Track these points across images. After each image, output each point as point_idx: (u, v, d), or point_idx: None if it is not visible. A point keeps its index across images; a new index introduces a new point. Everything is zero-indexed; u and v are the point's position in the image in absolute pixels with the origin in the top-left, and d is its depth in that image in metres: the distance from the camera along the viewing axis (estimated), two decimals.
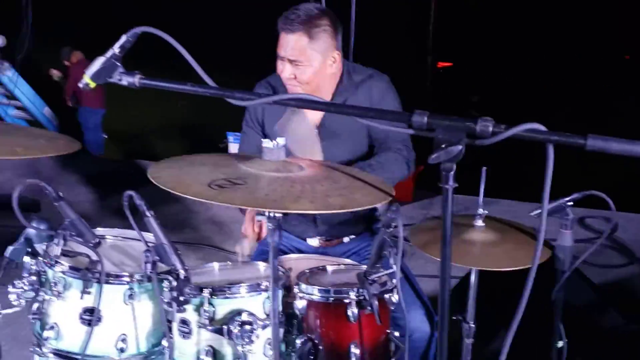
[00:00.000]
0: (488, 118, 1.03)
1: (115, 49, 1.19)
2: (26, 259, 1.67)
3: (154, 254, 1.54)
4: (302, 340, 1.61)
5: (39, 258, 1.67)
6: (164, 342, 1.62)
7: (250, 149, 2.21)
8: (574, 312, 2.48)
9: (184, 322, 1.57)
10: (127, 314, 1.65)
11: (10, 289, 1.64)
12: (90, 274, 1.60)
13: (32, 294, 1.65)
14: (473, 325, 2.01)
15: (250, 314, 1.53)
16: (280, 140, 1.28)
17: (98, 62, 1.19)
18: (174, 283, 1.51)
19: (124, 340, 1.65)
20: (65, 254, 1.67)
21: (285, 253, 2.16)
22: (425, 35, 4.10)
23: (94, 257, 1.61)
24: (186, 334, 1.57)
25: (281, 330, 1.64)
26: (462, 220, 2.00)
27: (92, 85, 1.22)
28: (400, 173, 2.19)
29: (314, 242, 2.29)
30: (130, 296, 1.63)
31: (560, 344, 2.40)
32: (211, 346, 1.54)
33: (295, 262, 1.92)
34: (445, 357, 1.17)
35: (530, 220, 1.92)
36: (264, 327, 1.54)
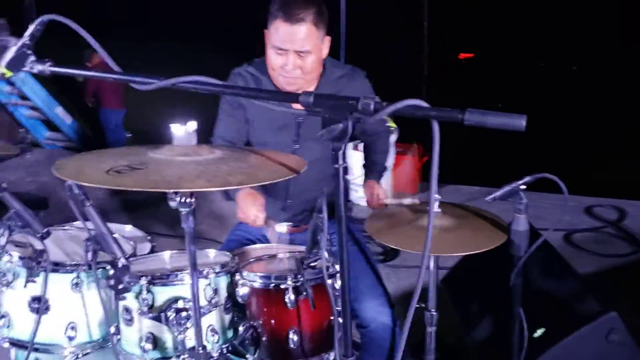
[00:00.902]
0: (371, 96, 1.01)
1: (26, 37, 1.20)
2: None
3: (94, 243, 1.55)
4: (245, 326, 1.61)
5: None
6: (112, 329, 1.64)
7: (230, 134, 2.21)
8: (553, 302, 2.43)
9: (127, 309, 1.58)
10: (76, 303, 1.68)
11: None
12: (35, 263, 1.63)
13: None
14: (435, 313, 1.98)
15: (187, 300, 1.53)
16: (191, 126, 1.28)
17: (10, 52, 1.21)
18: (112, 272, 1.52)
19: (73, 328, 1.68)
20: (17, 244, 1.71)
21: (253, 242, 2.17)
22: (419, 28, 4.07)
23: (40, 246, 1.64)
24: (128, 321, 1.58)
25: (227, 317, 1.65)
26: (419, 206, 1.97)
27: (8, 74, 1.24)
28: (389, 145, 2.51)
29: (282, 228, 2.29)
30: (77, 285, 1.66)
31: (538, 332, 2.36)
32: (152, 333, 1.55)
33: (261, 251, 1.93)
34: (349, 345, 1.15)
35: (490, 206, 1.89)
36: (203, 314, 1.55)
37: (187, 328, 1.52)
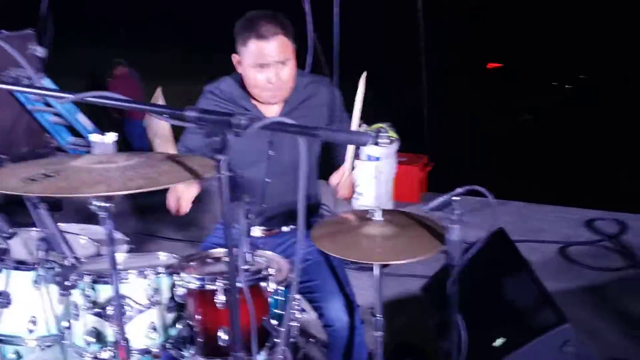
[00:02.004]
0: (244, 114, 1.11)
1: None
2: None
3: (45, 243, 1.70)
4: (182, 325, 1.72)
5: None
6: (65, 324, 1.78)
7: (194, 144, 2.32)
8: (514, 312, 2.47)
9: (75, 305, 1.72)
10: (36, 298, 1.82)
11: None
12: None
13: None
14: (381, 318, 2.05)
15: (126, 298, 1.66)
16: (110, 137, 1.40)
17: None
18: (58, 269, 1.66)
19: (34, 322, 1.82)
20: None
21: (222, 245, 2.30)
22: (415, 34, 4.12)
23: (3, 245, 1.79)
24: (76, 316, 1.72)
25: (170, 315, 1.77)
26: (362, 214, 2.05)
27: None
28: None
29: (256, 232, 2.42)
30: (37, 281, 1.80)
31: (498, 342, 2.40)
32: (95, 328, 1.68)
33: (219, 254, 2.04)
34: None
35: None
36: (141, 311, 1.67)
37: (125, 323, 1.64)
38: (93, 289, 1.67)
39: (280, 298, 1.87)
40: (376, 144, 4.43)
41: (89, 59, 5.76)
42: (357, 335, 2.21)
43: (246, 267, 1.67)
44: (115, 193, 1.22)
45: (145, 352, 1.71)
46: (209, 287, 1.66)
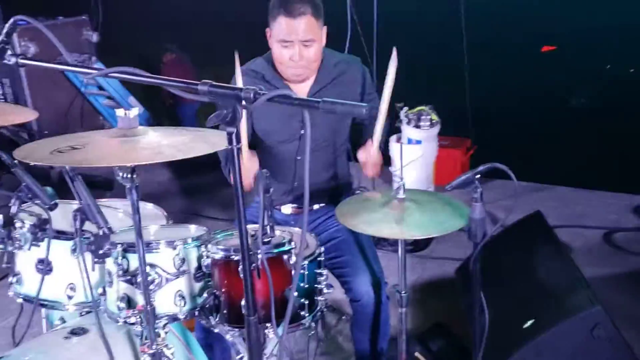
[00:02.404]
0: (253, 87, 1.16)
1: (3, 36, 1.44)
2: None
3: (81, 214, 1.79)
4: (208, 294, 1.80)
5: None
6: (99, 290, 1.88)
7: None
8: (545, 294, 2.44)
9: (108, 273, 1.82)
10: (75, 266, 1.92)
11: None
12: (40, 230, 1.90)
13: (2, 246, 1.97)
14: (405, 294, 2.08)
15: (155, 267, 1.74)
16: (134, 112, 1.48)
17: None
18: (92, 239, 1.76)
19: (72, 289, 1.93)
20: (31, 213, 1.98)
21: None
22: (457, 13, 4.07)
23: (45, 216, 1.90)
24: (109, 283, 1.82)
25: (197, 284, 1.85)
26: (386, 192, 2.07)
27: None
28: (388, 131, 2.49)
29: (287, 209, 2.49)
30: (74, 250, 1.91)
31: (528, 323, 2.39)
32: (126, 294, 1.78)
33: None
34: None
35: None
36: (168, 280, 1.75)
37: (153, 291, 1.72)
38: (125, 257, 1.76)
39: (307, 272, 1.93)
40: (417, 126, 4.42)
41: (140, 43, 5.91)
42: (382, 311, 2.25)
43: (267, 239, 1.72)
44: (132, 163, 1.29)
45: (174, 318, 1.79)
46: (233, 257, 1.72)
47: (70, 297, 1.93)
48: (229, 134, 1.20)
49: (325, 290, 2.07)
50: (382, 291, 2.24)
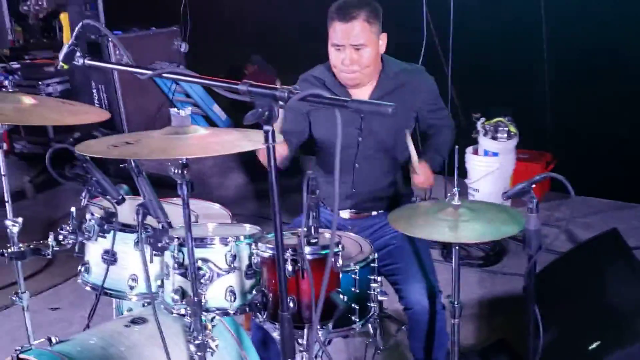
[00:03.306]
0: (288, 87, 1.19)
1: (73, 39, 1.56)
2: (72, 208, 2.14)
3: (144, 208, 1.89)
4: (257, 291, 1.84)
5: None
6: (158, 282, 1.98)
7: (287, 125, 2.46)
8: (615, 316, 2.31)
9: (166, 265, 1.90)
10: (137, 258, 2.03)
11: (60, 231, 2.11)
12: (107, 222, 2.02)
13: (74, 236, 2.11)
14: (458, 305, 2.04)
15: (208, 262, 1.81)
16: (186, 111, 1.55)
17: (63, 50, 1.58)
18: (151, 232, 1.85)
19: (134, 279, 2.03)
20: (101, 207, 2.11)
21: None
22: (538, 22, 3.91)
23: (112, 209, 2.02)
24: (166, 276, 1.90)
25: (248, 282, 1.90)
26: (440, 200, 2.04)
27: (65, 66, 1.62)
28: (452, 141, 2.51)
29: (345, 214, 2.51)
30: (137, 243, 2.01)
31: (594, 345, 2.28)
32: (180, 287, 1.85)
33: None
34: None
35: None
36: (219, 275, 1.81)
37: (205, 285, 1.79)
38: (180, 251, 1.84)
39: (358, 277, 1.94)
40: (494, 138, 4.32)
41: (227, 53, 6.13)
42: (438, 320, 2.21)
43: (313, 240, 1.75)
44: (179, 157, 1.36)
45: (224, 313, 1.85)
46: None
47: (132, 288, 2.03)
48: (266, 132, 1.24)
49: (379, 297, 2.07)
50: (436, 300, 2.20)
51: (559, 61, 4.21)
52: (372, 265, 2.05)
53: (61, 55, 1.59)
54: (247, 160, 5.40)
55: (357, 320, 1.97)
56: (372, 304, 2.05)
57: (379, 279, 2.07)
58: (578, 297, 2.59)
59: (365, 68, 2.29)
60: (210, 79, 1.29)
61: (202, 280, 1.79)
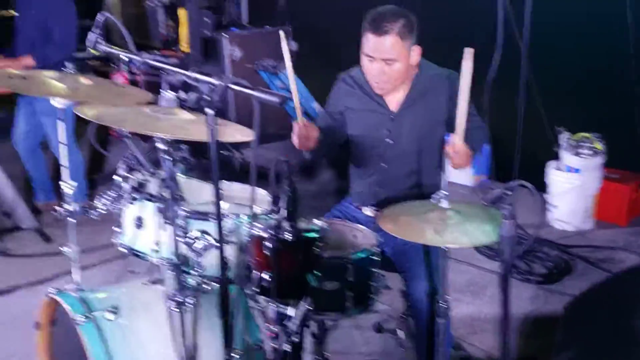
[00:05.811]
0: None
1: (95, 28, 1.82)
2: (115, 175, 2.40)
3: (163, 183, 2.12)
4: (246, 264, 2.01)
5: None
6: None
7: (324, 123, 2.60)
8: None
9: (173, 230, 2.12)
10: (160, 225, 2.26)
11: (100, 198, 2.40)
12: (138, 192, 2.27)
13: (115, 202, 2.39)
14: (445, 305, 2.05)
15: (205, 233, 2.00)
16: (171, 95, 1.74)
17: (89, 37, 1.84)
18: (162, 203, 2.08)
19: (157, 244, 2.27)
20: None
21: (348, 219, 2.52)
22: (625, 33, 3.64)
23: (142, 179, 2.28)
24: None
25: (242, 255, 2.07)
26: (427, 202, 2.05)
27: (96, 53, 1.88)
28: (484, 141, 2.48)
29: (368, 211, 2.61)
30: (159, 211, 2.24)
31: None
32: (185, 255, 2.06)
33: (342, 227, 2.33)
34: None
35: None
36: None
37: (200, 255, 1.99)
38: (186, 222, 2.05)
39: (352, 266, 2.04)
40: (577, 154, 4.13)
41: (332, 50, 6.33)
42: (431, 321, 2.23)
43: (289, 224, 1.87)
44: (154, 133, 1.55)
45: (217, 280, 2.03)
46: (262, 235, 1.91)
47: (155, 251, 2.27)
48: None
49: (381, 291, 2.16)
50: (435, 302, 2.23)
51: None
52: (373, 258, 2.14)
53: (88, 43, 1.86)
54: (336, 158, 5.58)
55: (352, 307, 2.07)
56: (373, 296, 2.14)
57: (382, 273, 2.16)
58: (612, 327, 2.46)
59: (394, 80, 2.36)
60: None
61: (196, 250, 1.99)
